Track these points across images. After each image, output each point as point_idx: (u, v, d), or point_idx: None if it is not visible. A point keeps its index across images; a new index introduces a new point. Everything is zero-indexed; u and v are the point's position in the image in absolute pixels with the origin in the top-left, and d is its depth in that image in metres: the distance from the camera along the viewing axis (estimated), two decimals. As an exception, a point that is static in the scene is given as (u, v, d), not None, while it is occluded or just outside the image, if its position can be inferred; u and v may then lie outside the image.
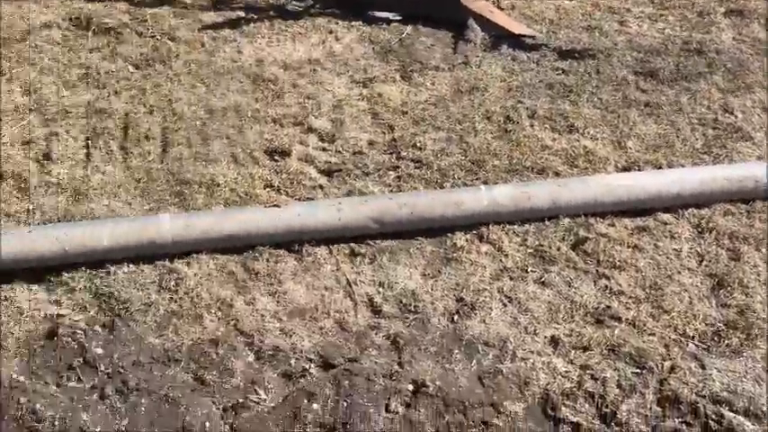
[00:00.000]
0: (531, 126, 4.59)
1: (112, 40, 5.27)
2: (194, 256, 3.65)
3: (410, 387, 3.11)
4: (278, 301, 3.49)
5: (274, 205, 3.74)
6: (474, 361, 3.23)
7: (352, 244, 3.76)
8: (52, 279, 3.53)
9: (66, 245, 3.47)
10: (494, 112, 4.68)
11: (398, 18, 5.66)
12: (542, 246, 3.76)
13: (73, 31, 5.35)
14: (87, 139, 4.38)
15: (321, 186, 4.11)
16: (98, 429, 2.99)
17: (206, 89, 4.84)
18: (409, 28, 5.59)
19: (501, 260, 3.69)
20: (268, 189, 4.09)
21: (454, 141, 4.43)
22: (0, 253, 3.42)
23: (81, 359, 3.20)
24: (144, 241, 3.53)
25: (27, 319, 3.39)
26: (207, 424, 2.99)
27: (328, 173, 4.20)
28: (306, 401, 3.05)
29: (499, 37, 5.43)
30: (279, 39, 5.42)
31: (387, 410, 3.03)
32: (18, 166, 4.13)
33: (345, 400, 3.05)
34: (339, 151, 4.36)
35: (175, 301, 3.45)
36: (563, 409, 3.06)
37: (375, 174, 4.20)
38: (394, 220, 3.69)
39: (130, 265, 3.60)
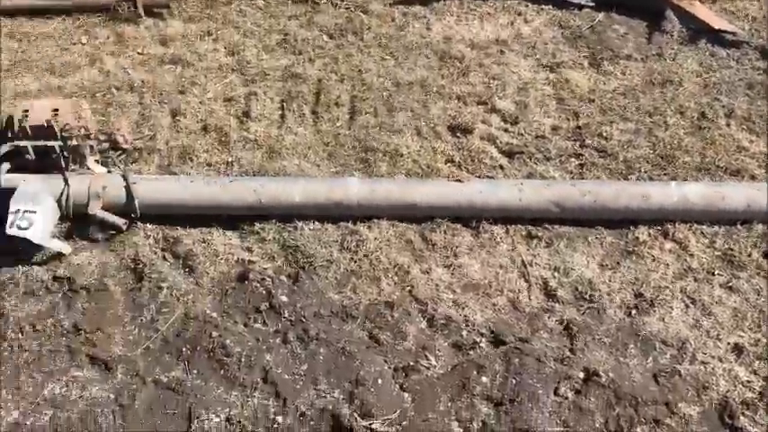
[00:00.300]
0: (728, 125, 4.35)
1: (310, 9, 5.49)
2: (375, 220, 3.77)
3: (581, 374, 3.08)
4: (452, 274, 3.55)
5: (457, 180, 3.79)
6: (650, 358, 3.14)
7: (529, 226, 3.75)
8: (245, 228, 3.78)
9: (262, 197, 3.69)
10: (687, 108, 4.48)
11: (591, 4, 5.51)
12: (732, 250, 3.58)
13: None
14: (282, 101, 4.61)
15: (501, 166, 4.11)
16: (279, 370, 3.18)
17: (394, 62, 4.95)
18: (601, 15, 5.43)
19: (686, 260, 3.55)
20: (449, 164, 4.15)
21: (642, 134, 4.29)
22: (201, 199, 3.69)
23: (267, 304, 3.41)
24: (332, 201, 3.69)
25: (221, 261, 3.65)
26: (379, 381, 3.11)
27: (509, 154, 4.20)
28: (475, 373, 3.10)
29: (698, 30, 5.16)
30: (467, 17, 5.43)
31: (556, 394, 3.02)
32: (220, 121, 4.42)
33: (514, 378, 3.07)
34: (521, 134, 4.33)
35: (355, 262, 3.59)
36: (741, 418, 2.93)
37: (557, 159, 4.15)
38: (576, 206, 3.64)
39: (316, 223, 3.78)
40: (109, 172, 3.92)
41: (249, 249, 3.69)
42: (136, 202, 3.69)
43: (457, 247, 3.66)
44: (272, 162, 4.14)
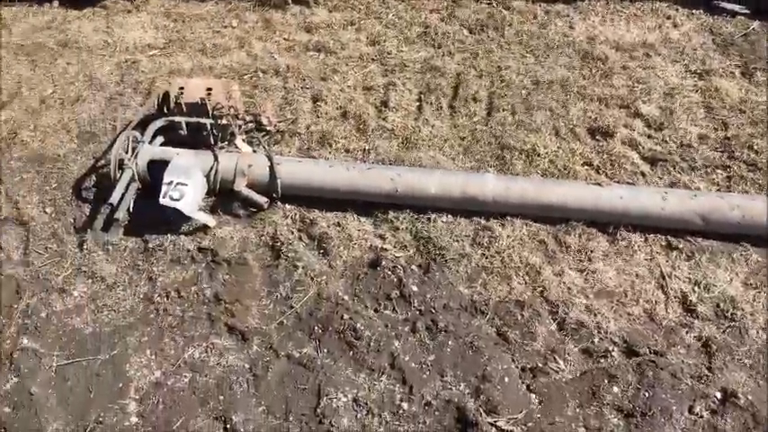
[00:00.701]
0: None
1: (451, 3, 5.50)
2: (509, 218, 3.75)
3: (718, 394, 2.97)
4: (586, 279, 3.49)
5: (597, 184, 3.71)
6: (795, 385, 2.98)
7: (669, 237, 3.62)
8: (379, 215, 3.85)
9: (398, 186, 3.75)
10: None
11: (746, 11, 5.24)
12: None
13: (418, -10, 5.66)
14: (420, 93, 4.65)
15: (643, 173, 3.99)
16: (407, 358, 3.23)
17: (534, 60, 4.89)
18: (756, 23, 5.16)
19: (841, 286, 3.33)
20: (586, 167, 4.07)
21: (798, 150, 4.05)
22: (339, 183, 3.79)
23: (398, 292, 3.47)
24: (467, 196, 3.70)
25: (355, 246, 3.73)
26: (506, 378, 3.10)
27: (652, 161, 4.07)
28: (606, 382, 3.03)
29: None
30: (613, 18, 5.29)
31: (690, 412, 2.92)
32: (359, 109, 4.51)
33: (647, 391, 2.99)
34: (665, 141, 4.19)
35: (487, 258, 3.59)
36: None
37: (702, 170, 3.98)
38: (723, 220, 3.49)
39: (449, 216, 3.80)
40: (254, 152, 4.08)
41: (382, 237, 3.76)
42: (278, 182, 3.83)
43: (592, 251, 3.59)
44: (408, 152, 4.19)
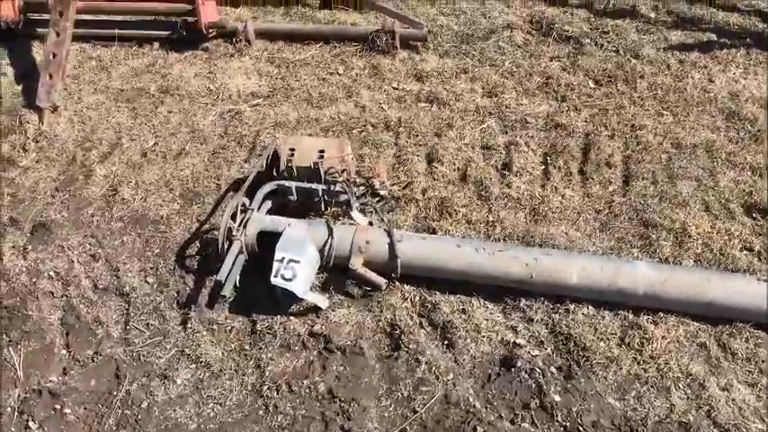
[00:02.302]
0: None
1: (573, 50, 5.08)
2: (661, 314, 3.28)
3: None
4: (758, 396, 2.99)
5: (765, 280, 3.21)
6: None
7: None
8: (509, 302, 3.44)
9: (534, 271, 3.34)
10: None
11: None
12: None
13: (534, 35, 5.25)
14: (545, 155, 4.24)
15: (815, 263, 3.46)
16: (553, 486, 2.80)
17: (673, 119, 4.41)
18: None
19: None
20: (746, 252, 3.57)
21: None
22: (467, 267, 3.40)
23: (538, 401, 3.06)
24: (614, 288, 3.26)
25: (483, 338, 3.34)
26: None
27: (824, 247, 3.53)
28: None
29: None
30: (756, 71, 4.77)
31: None
32: (479, 172, 4.13)
33: None
34: (837, 222, 3.65)
35: (639, 363, 3.14)
36: None
37: None
38: None
39: (590, 308, 3.37)
40: (370, 223, 3.73)
41: (514, 329, 3.35)
42: (398, 261, 3.47)
43: (762, 361, 3.09)
44: (537, 226, 3.77)
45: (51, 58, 4.89)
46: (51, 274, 3.83)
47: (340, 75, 5.04)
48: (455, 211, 3.91)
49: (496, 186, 4.05)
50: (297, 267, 3.43)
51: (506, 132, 4.43)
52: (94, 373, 3.41)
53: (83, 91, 5.05)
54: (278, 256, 3.47)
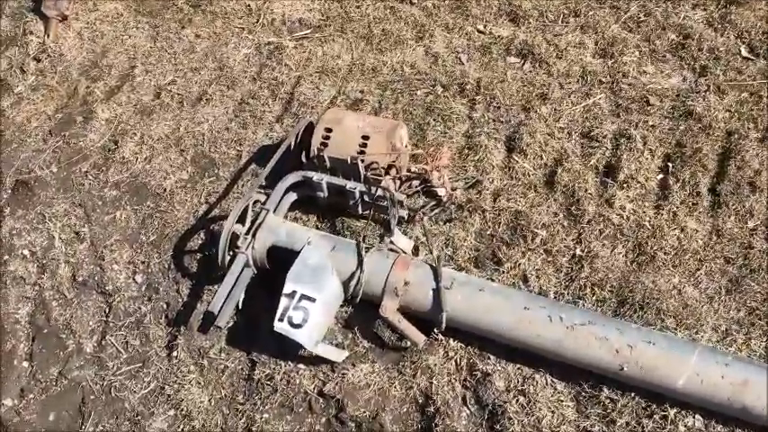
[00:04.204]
0: None
1: (726, -4, 3.77)
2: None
3: None
4: None
5: None
6: None
7: None
8: (586, 388, 2.56)
9: (626, 363, 2.43)
10: None
11: None
12: None
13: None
14: (667, 158, 3.19)
15: None
16: None
17: None
18: None
19: None
20: None
21: None
22: (533, 340, 2.50)
23: None
24: (737, 403, 2.32)
25: (544, 438, 2.48)
26: None
27: None
28: None
29: None
30: None
31: None
32: (573, 177, 3.16)
33: None
34: None
35: None
36: None
37: None
38: None
39: (698, 418, 2.44)
40: (415, 249, 2.82)
41: (588, 431, 2.47)
42: (444, 316, 2.58)
43: None
44: (641, 273, 2.80)
45: (64, -43, 3.95)
46: (26, 252, 3.15)
47: (413, 4, 3.94)
48: (532, 233, 2.94)
49: (593, 201, 3.03)
50: (310, 308, 2.60)
51: (618, 115, 3.33)
52: (55, 403, 2.78)
53: (100, -5, 4.13)
54: (288, 288, 2.64)
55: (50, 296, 3.01)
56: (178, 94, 3.61)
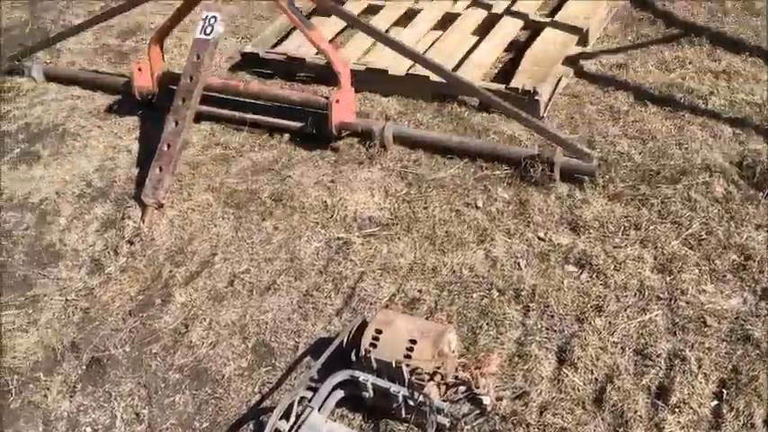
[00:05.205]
0: None
1: (790, 217, 3.78)
2: None
3: None
4: None
5: None
6: None
7: None
8: None
9: None
10: None
11: None
12: None
13: (740, 187, 4.01)
14: (722, 384, 3.10)
15: None
16: None
17: None
18: None
19: None
20: None
21: None
22: None
23: None
24: None
25: None
26: None
27: None
28: None
29: None
30: None
31: None
32: (622, 396, 3.14)
33: None
34: None
35: None
36: None
37: None
38: None
39: None
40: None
41: None
42: None
43: None
44: None
45: (165, 148, 4.47)
46: (88, 430, 3.32)
47: (478, 208, 4.14)
48: (578, 457, 2.88)
49: (642, 425, 3.00)
50: None
51: (674, 334, 3.31)
52: None
53: (195, 186, 4.58)
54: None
55: (103, 475, 3.14)
56: (249, 283, 3.87)
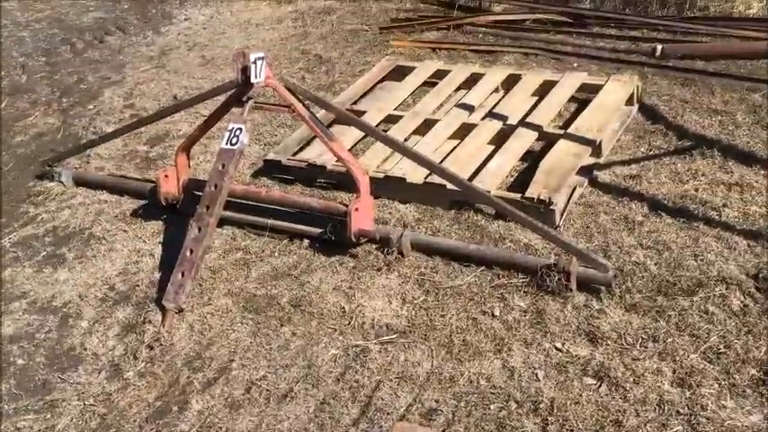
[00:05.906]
0: None
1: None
2: None
3: None
4: None
5: None
6: None
7: None
8: None
9: None
10: None
11: None
12: None
13: (758, 300, 4.02)
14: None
15: None
16: None
17: None
18: None
19: None
20: None
21: None
22: None
23: None
24: None
25: None
26: None
27: None
28: None
29: None
30: None
31: None
32: None
33: None
34: None
35: None
36: None
37: None
38: None
39: None
40: None
41: None
42: None
43: None
44: None
45: (188, 254, 4.56)
46: None
47: (495, 317, 4.16)
48: None
49: None
50: None
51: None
52: None
53: (216, 290, 4.65)
54: None
55: None
56: (266, 390, 3.87)
